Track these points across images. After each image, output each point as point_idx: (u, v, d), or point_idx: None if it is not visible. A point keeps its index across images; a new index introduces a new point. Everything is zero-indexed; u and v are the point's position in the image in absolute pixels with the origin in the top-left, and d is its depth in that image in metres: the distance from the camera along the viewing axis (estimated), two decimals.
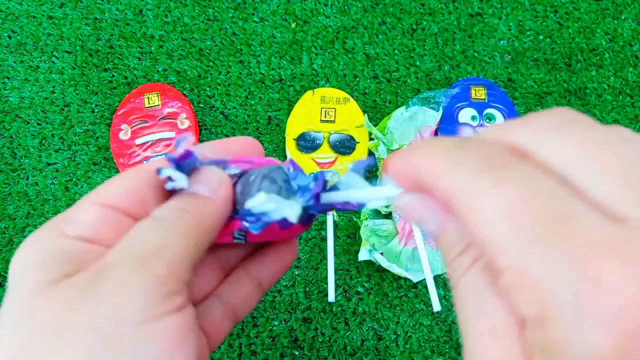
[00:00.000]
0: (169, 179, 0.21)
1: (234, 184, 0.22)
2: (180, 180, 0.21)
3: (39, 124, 0.54)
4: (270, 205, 0.21)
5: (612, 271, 0.11)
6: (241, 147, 0.23)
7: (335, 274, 0.49)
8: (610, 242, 0.12)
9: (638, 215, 0.12)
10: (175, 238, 0.19)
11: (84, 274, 0.17)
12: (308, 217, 0.22)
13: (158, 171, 0.20)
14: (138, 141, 0.52)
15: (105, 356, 0.16)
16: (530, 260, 0.12)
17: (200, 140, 0.53)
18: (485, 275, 0.15)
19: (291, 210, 0.21)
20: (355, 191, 0.21)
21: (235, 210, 0.22)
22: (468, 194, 0.14)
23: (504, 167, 0.14)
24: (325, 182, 0.22)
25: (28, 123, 0.54)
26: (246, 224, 0.22)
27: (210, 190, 0.21)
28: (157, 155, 0.51)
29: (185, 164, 0.21)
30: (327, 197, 0.22)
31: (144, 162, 0.51)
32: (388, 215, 0.51)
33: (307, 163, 0.52)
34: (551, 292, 0.12)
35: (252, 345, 0.47)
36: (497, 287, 0.14)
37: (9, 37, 0.57)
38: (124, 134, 0.52)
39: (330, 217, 0.50)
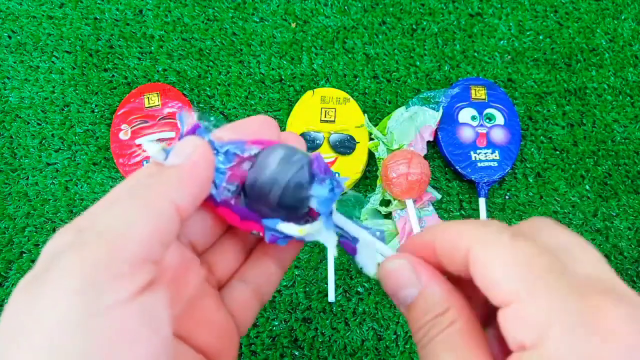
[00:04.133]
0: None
1: (251, 167, 0.21)
2: (155, 150, 0.19)
3: (39, 124, 0.54)
4: (306, 235, 0.21)
5: (604, 301, 0.15)
6: (258, 126, 0.22)
7: (335, 274, 0.49)
8: (599, 287, 0.16)
9: (612, 275, 0.17)
10: (126, 215, 0.17)
11: (34, 268, 0.16)
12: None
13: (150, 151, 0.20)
14: (138, 141, 0.52)
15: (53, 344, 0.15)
16: (539, 295, 0.16)
17: None
18: (464, 332, 0.18)
19: (330, 240, 0.22)
20: (361, 231, 0.23)
21: (246, 202, 0.22)
22: (490, 243, 0.18)
23: (518, 234, 0.18)
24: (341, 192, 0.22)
25: (28, 123, 0.54)
26: (272, 236, 0.22)
27: (180, 157, 0.19)
28: None
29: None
30: (338, 219, 0.22)
31: (144, 162, 0.51)
32: (388, 215, 0.51)
33: None
34: (554, 317, 0.15)
35: (252, 345, 0.47)
36: (497, 319, 0.17)
37: (9, 37, 0.57)
38: (124, 134, 0.52)
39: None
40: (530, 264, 0.17)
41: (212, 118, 0.21)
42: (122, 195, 0.18)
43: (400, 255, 0.21)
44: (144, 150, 0.51)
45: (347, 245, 0.23)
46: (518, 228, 0.19)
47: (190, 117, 0.21)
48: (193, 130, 0.21)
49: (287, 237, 0.22)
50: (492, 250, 0.17)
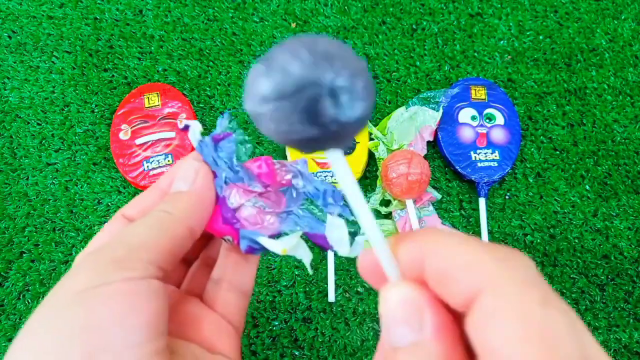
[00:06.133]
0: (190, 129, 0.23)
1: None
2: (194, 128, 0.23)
3: (39, 124, 0.54)
4: (290, 250, 0.22)
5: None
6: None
7: (335, 274, 0.49)
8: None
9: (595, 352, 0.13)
10: (146, 232, 0.20)
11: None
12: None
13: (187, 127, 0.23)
14: (138, 141, 0.51)
15: (48, 324, 0.17)
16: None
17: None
18: None
19: (307, 257, 0.22)
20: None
21: (230, 216, 0.23)
22: (513, 300, 0.13)
23: (551, 297, 0.14)
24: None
25: (28, 123, 0.54)
26: (248, 247, 0.22)
27: (187, 183, 0.23)
28: (157, 156, 0.51)
29: (223, 144, 0.23)
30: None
31: (144, 162, 0.51)
32: (388, 215, 0.51)
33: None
34: None
35: (252, 345, 0.47)
36: None
37: (9, 37, 0.57)
38: (124, 134, 0.52)
39: None
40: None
41: (241, 132, 0.24)
42: (146, 220, 0.21)
43: (407, 284, 0.17)
44: (144, 150, 0.51)
45: (315, 238, 0.23)
46: (548, 287, 0.15)
47: (224, 123, 0.23)
48: (222, 138, 0.23)
49: (264, 249, 0.22)
50: (513, 313, 0.13)
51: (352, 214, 0.22)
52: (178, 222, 0.21)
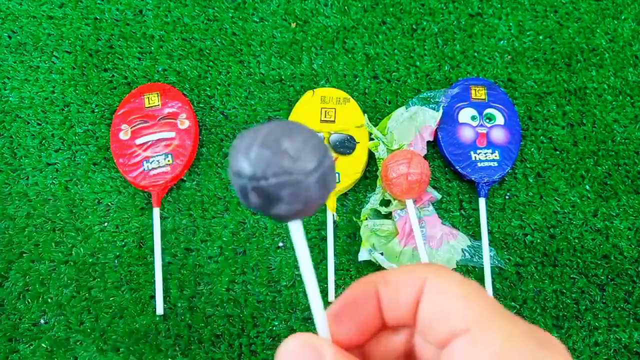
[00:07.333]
0: None
1: None
2: None
3: (39, 124, 0.54)
4: None
5: (550, 338, 0.16)
6: None
7: (335, 274, 0.49)
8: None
9: None
10: None
11: None
12: None
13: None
14: (138, 141, 0.51)
15: None
16: (499, 323, 0.16)
17: (201, 141, 0.53)
18: None
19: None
20: None
21: None
22: (447, 274, 0.17)
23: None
24: None
25: (28, 123, 0.54)
26: None
27: None
28: (157, 156, 0.51)
29: None
30: None
31: (144, 162, 0.51)
32: (388, 215, 0.51)
33: None
34: (516, 344, 0.15)
35: (252, 345, 0.47)
36: None
37: (9, 37, 0.57)
38: (124, 134, 0.52)
39: (330, 217, 0.50)
40: (485, 297, 0.17)
41: None
42: None
43: (308, 334, 0.18)
44: (144, 150, 0.51)
45: None
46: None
47: None
48: None
49: None
50: (450, 279, 0.17)
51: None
52: None
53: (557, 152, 0.54)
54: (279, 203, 0.15)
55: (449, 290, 0.17)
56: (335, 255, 0.49)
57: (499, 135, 0.53)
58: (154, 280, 0.48)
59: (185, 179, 0.52)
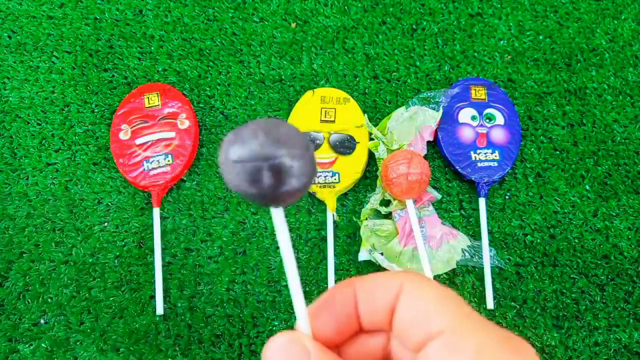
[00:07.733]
0: None
1: None
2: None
3: (39, 124, 0.54)
4: None
5: (521, 342, 0.17)
6: None
7: (335, 274, 0.49)
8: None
9: None
10: None
11: None
12: None
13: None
14: (138, 141, 0.51)
15: None
16: (473, 327, 0.17)
17: (201, 141, 0.53)
18: None
19: None
20: None
21: None
22: (423, 279, 0.18)
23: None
24: None
25: (28, 123, 0.54)
26: None
27: None
28: (157, 156, 0.51)
29: None
30: None
31: (144, 162, 0.51)
32: (388, 215, 0.51)
33: None
34: (489, 347, 0.16)
35: (252, 345, 0.47)
36: None
37: (9, 37, 0.57)
38: (124, 134, 0.52)
39: (331, 217, 0.50)
40: (460, 303, 0.17)
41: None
42: None
43: (294, 332, 0.18)
44: (144, 150, 0.51)
45: None
46: None
47: None
48: None
49: None
50: (425, 285, 0.18)
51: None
52: None
53: (557, 152, 0.54)
54: (290, 178, 0.16)
55: (425, 295, 0.17)
56: (335, 255, 0.49)
57: (499, 135, 0.53)
58: (154, 280, 0.48)
59: (185, 179, 0.52)
